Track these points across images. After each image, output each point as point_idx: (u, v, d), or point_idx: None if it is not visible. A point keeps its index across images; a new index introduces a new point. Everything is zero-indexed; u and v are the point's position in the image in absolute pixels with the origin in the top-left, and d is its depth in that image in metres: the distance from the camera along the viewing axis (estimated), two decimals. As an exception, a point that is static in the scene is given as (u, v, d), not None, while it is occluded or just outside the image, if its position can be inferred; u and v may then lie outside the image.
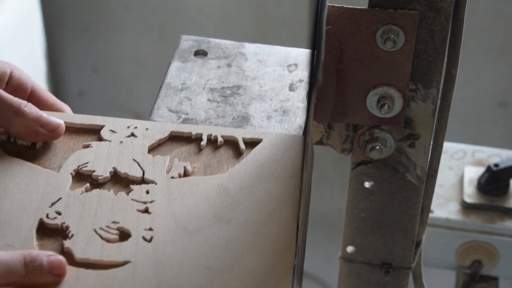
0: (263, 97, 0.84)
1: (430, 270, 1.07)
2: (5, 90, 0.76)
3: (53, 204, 0.70)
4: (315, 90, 0.60)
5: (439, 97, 0.78)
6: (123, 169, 0.73)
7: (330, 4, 0.72)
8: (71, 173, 0.73)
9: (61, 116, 0.78)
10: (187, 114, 0.82)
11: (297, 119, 0.82)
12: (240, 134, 0.77)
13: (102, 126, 0.77)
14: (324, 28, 0.62)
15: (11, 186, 0.71)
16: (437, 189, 1.11)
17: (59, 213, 0.69)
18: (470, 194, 1.10)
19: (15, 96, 0.75)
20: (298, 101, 0.84)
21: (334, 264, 0.97)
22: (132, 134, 0.77)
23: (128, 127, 0.77)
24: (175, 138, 0.77)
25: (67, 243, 0.67)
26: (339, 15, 0.73)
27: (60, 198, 0.70)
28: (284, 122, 0.81)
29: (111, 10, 1.83)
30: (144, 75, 1.89)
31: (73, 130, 0.77)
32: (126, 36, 1.86)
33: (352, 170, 0.83)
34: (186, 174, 0.73)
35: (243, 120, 0.81)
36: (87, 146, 0.75)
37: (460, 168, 1.15)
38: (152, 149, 0.76)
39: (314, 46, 0.61)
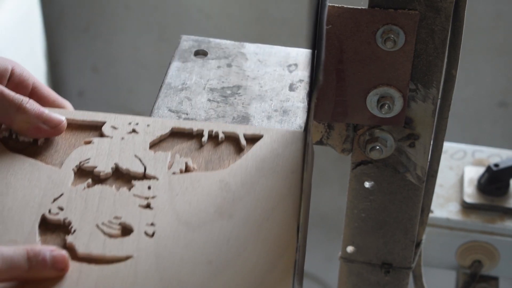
0: (263, 97, 0.84)
1: (430, 270, 1.07)
2: (6, 86, 0.76)
3: (55, 199, 0.70)
4: (316, 90, 0.60)
5: (439, 97, 0.78)
6: (124, 165, 0.74)
7: (330, 4, 0.72)
8: (73, 169, 0.73)
9: (63, 112, 0.78)
10: (187, 114, 0.82)
11: (297, 119, 0.82)
12: (241, 130, 0.77)
13: (104, 123, 0.78)
14: (325, 28, 0.62)
15: (13, 182, 0.71)
16: (437, 189, 1.11)
17: (61, 209, 0.69)
18: (470, 194, 1.10)
19: (17, 92, 0.75)
20: (298, 101, 0.84)
21: (334, 264, 0.97)
22: (134, 130, 0.77)
23: (130, 123, 0.78)
24: (176, 134, 0.77)
25: (69, 238, 0.67)
26: (339, 15, 0.73)
27: (62, 194, 0.71)
28: (284, 122, 0.81)
29: (111, 10, 1.83)
30: (144, 75, 1.89)
31: (74, 126, 0.78)
32: (126, 36, 1.86)
33: (352, 170, 0.83)
34: (187, 170, 0.74)
35: (243, 120, 0.81)
36: (89, 142, 0.76)
37: (460, 168, 1.15)
38: (154, 145, 0.76)
39: (314, 46, 0.61)
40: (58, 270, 0.64)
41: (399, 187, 0.83)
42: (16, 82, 0.78)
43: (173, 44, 0.92)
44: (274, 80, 0.87)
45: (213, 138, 0.77)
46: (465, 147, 1.18)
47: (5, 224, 0.67)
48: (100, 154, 0.74)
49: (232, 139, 0.77)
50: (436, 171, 0.84)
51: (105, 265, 0.65)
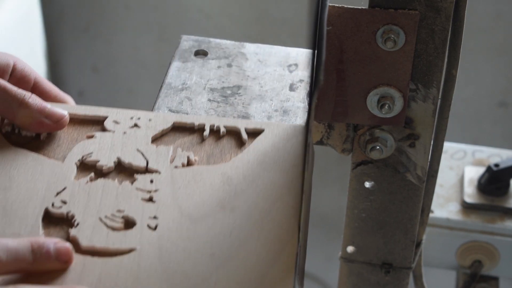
0: (264, 97, 0.84)
1: (430, 270, 1.07)
2: (8, 81, 0.77)
3: (58, 193, 0.71)
4: (317, 90, 0.60)
5: (440, 97, 0.78)
6: (127, 159, 0.74)
7: (331, 4, 0.72)
8: (75, 163, 0.74)
9: (65, 107, 0.78)
10: (187, 114, 0.82)
11: (298, 119, 0.82)
12: (242, 125, 0.77)
13: (106, 117, 0.78)
14: (325, 29, 0.62)
15: (16, 176, 0.72)
16: (437, 189, 1.11)
17: (64, 202, 0.70)
18: (470, 194, 1.10)
19: (19, 87, 0.76)
20: (298, 101, 0.84)
21: (334, 264, 0.97)
22: (136, 125, 0.77)
23: (132, 118, 0.78)
24: (178, 129, 0.78)
25: (72, 232, 0.67)
26: (340, 15, 0.73)
27: (65, 188, 0.71)
28: (284, 122, 0.81)
29: (111, 10, 1.83)
30: (144, 75, 1.89)
31: (76, 121, 0.78)
32: (126, 36, 1.86)
33: (352, 170, 0.83)
34: (189, 163, 0.74)
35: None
36: (91, 137, 0.76)
37: (460, 168, 1.15)
38: (156, 139, 0.77)
39: (315, 46, 0.61)
40: (62, 262, 0.65)
41: (399, 187, 0.83)
42: (18, 77, 0.78)
43: (173, 44, 0.92)
44: (274, 80, 0.87)
45: (215, 132, 0.77)
46: (465, 147, 1.18)
47: (9, 218, 0.68)
48: (103, 148, 0.75)
49: (233, 133, 0.77)
50: (436, 171, 0.84)
51: (108, 257, 0.66)
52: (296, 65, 0.89)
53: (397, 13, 0.72)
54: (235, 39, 0.93)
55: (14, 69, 0.78)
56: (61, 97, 0.81)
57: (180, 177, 0.72)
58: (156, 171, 0.73)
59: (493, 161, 1.13)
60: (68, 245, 0.65)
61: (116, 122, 0.78)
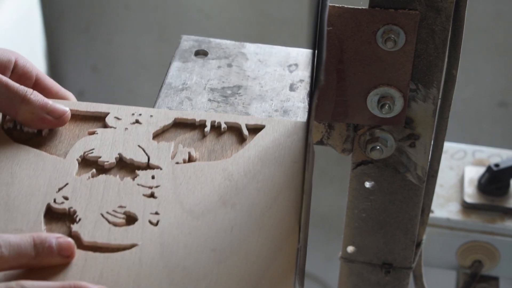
0: (264, 97, 0.84)
1: (430, 270, 1.07)
2: (10, 78, 0.77)
3: (60, 189, 0.71)
4: (317, 90, 0.60)
5: (440, 97, 0.78)
6: (128, 155, 0.74)
7: (331, 4, 0.72)
8: (77, 159, 0.74)
9: (66, 103, 0.79)
10: (187, 114, 0.82)
11: (298, 119, 0.82)
12: (243, 121, 0.78)
13: (107, 113, 0.78)
14: (325, 29, 0.62)
15: (18, 172, 0.72)
16: (438, 189, 1.11)
17: (66, 198, 0.70)
18: (470, 194, 1.10)
19: (20, 84, 0.76)
20: (298, 101, 0.84)
21: (334, 264, 0.97)
22: (137, 121, 0.78)
23: (133, 114, 0.78)
24: (179, 125, 0.78)
25: (74, 227, 0.68)
26: (340, 15, 0.73)
27: (67, 184, 0.71)
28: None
29: (111, 10, 1.83)
30: (144, 75, 1.89)
31: (78, 117, 0.78)
32: (126, 36, 1.86)
33: (352, 170, 0.83)
34: (190, 159, 0.74)
35: (244, 120, 0.81)
36: (93, 133, 0.77)
37: (460, 168, 1.15)
38: (157, 135, 0.77)
39: (315, 46, 0.61)
40: (64, 257, 0.65)
41: (400, 187, 0.83)
42: (19, 73, 0.78)
43: (173, 44, 0.92)
44: (274, 80, 0.87)
45: (216, 128, 0.78)
46: (466, 147, 1.18)
47: (11, 213, 0.68)
48: (104, 145, 0.75)
49: (234, 129, 0.78)
50: (436, 171, 0.84)
51: (110, 253, 0.66)
52: (296, 65, 0.89)
53: (397, 13, 0.72)
54: (235, 39, 0.93)
55: (15, 65, 0.78)
56: (62, 94, 0.81)
57: (181, 173, 0.73)
58: (157, 167, 0.73)
59: (493, 161, 1.13)
60: (70, 240, 0.66)
61: (117, 119, 0.78)
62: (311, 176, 0.65)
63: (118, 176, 0.72)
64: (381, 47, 0.74)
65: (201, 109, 0.82)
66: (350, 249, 0.88)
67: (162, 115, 0.78)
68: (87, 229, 0.68)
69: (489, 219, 1.08)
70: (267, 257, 0.66)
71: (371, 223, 0.85)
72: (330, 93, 0.77)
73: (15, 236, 0.64)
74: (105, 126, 0.77)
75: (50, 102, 0.76)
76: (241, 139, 0.77)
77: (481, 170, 1.12)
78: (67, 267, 0.65)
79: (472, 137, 1.80)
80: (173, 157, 0.74)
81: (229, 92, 0.85)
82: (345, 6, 0.73)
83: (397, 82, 0.75)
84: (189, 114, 0.79)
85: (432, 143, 0.81)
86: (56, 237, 0.65)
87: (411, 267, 0.88)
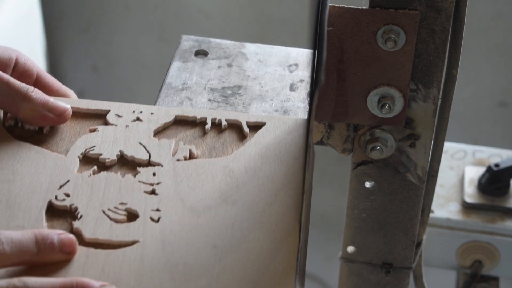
0: (264, 97, 0.84)
1: (430, 270, 1.07)
2: (11, 76, 0.77)
3: (61, 186, 0.71)
4: (318, 90, 0.60)
5: (440, 97, 0.78)
6: (129, 152, 0.74)
7: (331, 4, 0.72)
8: (78, 157, 0.74)
9: (67, 101, 0.79)
10: (187, 114, 0.82)
11: (298, 119, 0.82)
12: (244, 118, 0.78)
13: (108, 111, 0.78)
14: (326, 29, 0.62)
15: (20, 169, 0.72)
16: (438, 189, 1.11)
17: (67, 195, 0.70)
18: (470, 194, 1.10)
19: (21, 82, 0.76)
20: (298, 101, 0.84)
21: (334, 264, 0.97)
22: (138, 119, 0.78)
23: (134, 111, 0.79)
24: (180, 122, 0.78)
25: (76, 224, 0.68)
26: (340, 15, 0.73)
27: (68, 181, 0.71)
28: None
29: (111, 10, 1.83)
30: (144, 75, 1.89)
31: (79, 115, 0.78)
32: (126, 36, 1.86)
33: (352, 170, 0.83)
34: (191, 156, 0.74)
35: (244, 120, 0.81)
36: (94, 130, 0.77)
37: (460, 168, 1.15)
38: (158, 132, 0.77)
39: (315, 46, 0.61)
40: (66, 253, 0.65)
41: (400, 187, 0.83)
42: (20, 71, 0.79)
43: (173, 44, 0.92)
44: (274, 80, 0.87)
45: (216, 125, 0.78)
46: (466, 147, 1.18)
47: (13, 210, 0.68)
48: (105, 142, 0.75)
49: (235, 126, 0.78)
50: (436, 171, 0.84)
51: (111, 249, 0.66)
52: (296, 65, 0.89)
53: (398, 13, 0.72)
54: (235, 39, 0.93)
55: (16, 63, 0.78)
56: (63, 91, 0.81)
57: (182, 170, 0.73)
58: (158, 164, 0.74)
59: (493, 161, 1.13)
60: (71, 236, 0.66)
61: (118, 116, 0.78)
62: (311, 176, 0.65)
63: (119, 173, 0.73)
64: (381, 47, 0.74)
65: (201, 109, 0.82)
66: (350, 249, 0.88)
67: (163, 113, 0.78)
68: (88, 226, 0.68)
69: (489, 219, 1.08)
70: (268, 254, 0.66)
71: (371, 223, 0.85)
72: (330, 93, 0.77)
73: (17, 232, 0.64)
74: (106, 123, 0.78)
75: (51, 99, 0.76)
76: (242, 136, 0.77)
77: (481, 170, 1.12)
78: (68, 264, 0.65)
79: (472, 137, 1.80)
80: (174, 154, 0.75)
81: (229, 92, 0.85)
82: (345, 6, 0.73)
83: (397, 82, 0.75)
84: (189, 111, 0.79)
85: (432, 143, 0.81)
86: (57, 233, 0.65)
87: (411, 267, 0.88)
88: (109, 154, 0.74)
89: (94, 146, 0.75)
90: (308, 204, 0.66)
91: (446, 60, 0.76)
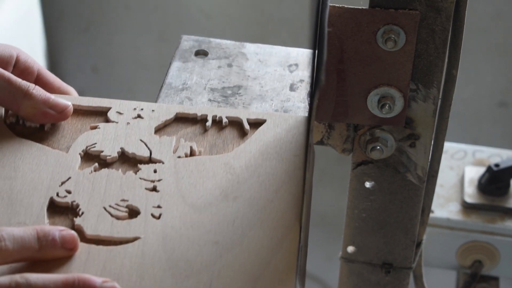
0: (264, 97, 0.84)
1: (430, 270, 1.07)
2: (12, 73, 0.77)
3: (63, 183, 0.71)
4: (318, 90, 0.60)
5: (440, 97, 0.78)
6: (130, 149, 0.75)
7: (331, 4, 0.72)
8: (79, 154, 0.74)
9: (68, 98, 0.79)
10: (187, 114, 0.82)
11: (298, 119, 0.82)
12: (244, 115, 0.78)
13: (109, 108, 0.79)
14: (326, 29, 0.62)
15: (21, 166, 0.73)
16: (438, 189, 1.11)
17: (69, 192, 0.70)
18: (470, 194, 1.10)
19: (22, 79, 0.76)
20: (298, 101, 0.84)
21: (334, 264, 0.97)
22: (139, 116, 0.78)
23: (135, 109, 0.79)
24: (181, 119, 0.78)
25: (77, 221, 0.68)
26: (340, 15, 0.73)
27: (69, 178, 0.72)
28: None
29: (111, 10, 1.83)
30: (144, 75, 1.89)
31: (80, 112, 0.79)
32: (126, 36, 1.86)
33: (352, 170, 0.83)
34: (192, 153, 0.75)
35: (244, 120, 0.81)
36: (95, 128, 0.77)
37: (460, 168, 1.15)
38: (159, 130, 0.77)
39: (316, 46, 0.61)
40: (68, 249, 0.65)
41: (400, 187, 0.83)
42: (21, 68, 0.79)
43: (173, 44, 0.92)
44: (274, 80, 0.87)
45: (217, 123, 0.78)
46: (466, 147, 1.18)
47: (14, 207, 0.69)
48: (106, 139, 0.76)
49: (235, 123, 0.78)
50: (436, 171, 0.84)
51: (113, 246, 0.67)
52: (296, 65, 0.89)
53: (398, 13, 0.72)
54: (235, 39, 0.93)
55: (17, 60, 0.79)
56: (64, 89, 0.81)
57: (183, 167, 0.73)
58: (159, 161, 0.74)
59: (493, 161, 1.13)
60: (73, 232, 0.66)
61: (119, 113, 0.78)
62: (312, 176, 0.65)
63: (120, 170, 0.73)
64: (381, 47, 0.74)
65: (201, 109, 0.83)
66: (350, 249, 0.88)
67: (164, 110, 0.79)
68: (90, 223, 0.68)
69: (489, 219, 1.08)
70: (269, 250, 0.66)
71: (371, 223, 0.85)
72: (330, 93, 0.77)
73: (18, 229, 0.64)
74: (107, 120, 0.78)
75: (52, 96, 0.77)
76: (243, 134, 0.77)
77: (481, 170, 1.12)
78: (70, 260, 0.65)
79: (472, 137, 1.80)
80: (175, 151, 0.75)
81: (229, 92, 0.85)
82: (345, 6, 0.73)
83: (397, 82, 0.75)
84: (190, 108, 0.79)
85: (432, 143, 0.81)
86: (59, 229, 0.65)
87: (411, 267, 0.88)
88: (110, 151, 0.74)
89: (95, 143, 0.75)
90: (309, 204, 0.67)
91: (446, 60, 0.76)
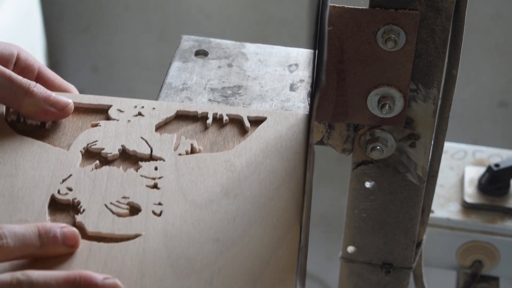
0: (264, 97, 0.84)
1: (430, 270, 1.07)
2: (12, 71, 0.77)
3: (64, 180, 0.71)
4: (318, 90, 0.60)
5: (440, 97, 0.78)
6: (131, 146, 0.75)
7: (331, 4, 0.72)
8: (80, 151, 0.74)
9: (69, 96, 0.79)
10: (188, 114, 0.82)
11: (298, 119, 0.82)
12: (245, 113, 0.78)
13: (110, 106, 0.79)
14: (326, 29, 0.62)
15: (22, 163, 0.73)
16: (438, 189, 1.11)
17: (70, 189, 0.71)
18: (470, 194, 1.10)
19: (23, 77, 0.77)
20: (299, 101, 0.84)
21: (334, 264, 0.97)
22: (139, 113, 0.78)
23: (135, 106, 0.79)
24: (182, 117, 0.79)
25: (79, 218, 0.68)
26: (340, 15, 0.73)
27: (70, 175, 0.72)
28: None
29: (111, 10, 1.83)
30: (144, 75, 1.89)
31: (81, 110, 0.79)
32: (126, 36, 1.86)
33: (352, 170, 0.83)
34: (193, 151, 0.75)
35: (244, 120, 0.81)
36: (96, 125, 0.77)
37: (460, 168, 1.15)
38: (159, 127, 0.78)
39: (316, 46, 0.61)
40: (69, 246, 0.65)
41: (400, 187, 0.83)
42: (22, 66, 0.79)
43: (173, 44, 0.92)
44: (274, 80, 0.87)
45: (218, 120, 0.78)
46: (466, 147, 1.18)
47: (15, 205, 0.69)
48: (107, 137, 0.76)
49: (236, 121, 0.78)
50: (436, 171, 0.84)
51: (114, 243, 0.67)
52: (296, 65, 0.89)
53: (398, 13, 0.72)
54: (235, 39, 0.93)
55: (18, 58, 0.79)
56: (65, 86, 0.82)
57: (184, 164, 0.73)
58: (160, 159, 0.74)
59: (493, 161, 1.13)
60: (74, 229, 0.66)
61: (120, 111, 0.78)
62: (312, 176, 0.65)
63: (121, 167, 0.73)
64: (382, 47, 0.74)
65: (201, 109, 0.83)
66: (350, 249, 0.88)
67: (165, 108, 0.79)
68: (91, 220, 0.68)
69: (489, 219, 1.08)
70: (270, 247, 0.66)
71: (371, 223, 0.85)
72: (330, 93, 0.77)
73: (20, 226, 0.65)
74: (108, 118, 0.78)
75: (53, 94, 0.77)
76: (243, 131, 0.77)
77: (481, 170, 1.12)
78: (71, 257, 0.65)
79: (472, 137, 1.80)
80: (175, 148, 0.75)
81: (229, 92, 0.85)
82: (346, 6, 0.73)
83: (397, 82, 0.75)
84: (191, 106, 0.79)
85: (432, 143, 0.81)
86: (60, 226, 0.66)
87: (411, 267, 0.88)
88: (111, 149, 0.75)
89: (96, 141, 0.75)
90: (309, 205, 0.67)
91: (446, 60, 0.76)
